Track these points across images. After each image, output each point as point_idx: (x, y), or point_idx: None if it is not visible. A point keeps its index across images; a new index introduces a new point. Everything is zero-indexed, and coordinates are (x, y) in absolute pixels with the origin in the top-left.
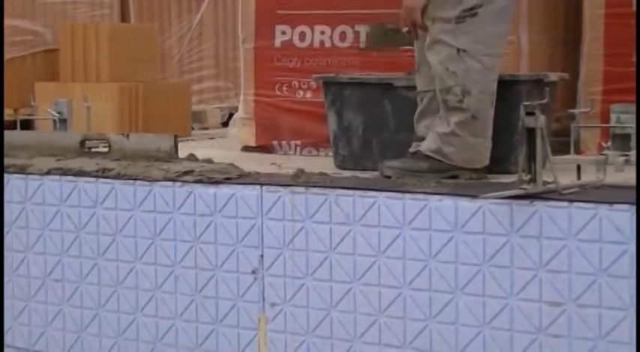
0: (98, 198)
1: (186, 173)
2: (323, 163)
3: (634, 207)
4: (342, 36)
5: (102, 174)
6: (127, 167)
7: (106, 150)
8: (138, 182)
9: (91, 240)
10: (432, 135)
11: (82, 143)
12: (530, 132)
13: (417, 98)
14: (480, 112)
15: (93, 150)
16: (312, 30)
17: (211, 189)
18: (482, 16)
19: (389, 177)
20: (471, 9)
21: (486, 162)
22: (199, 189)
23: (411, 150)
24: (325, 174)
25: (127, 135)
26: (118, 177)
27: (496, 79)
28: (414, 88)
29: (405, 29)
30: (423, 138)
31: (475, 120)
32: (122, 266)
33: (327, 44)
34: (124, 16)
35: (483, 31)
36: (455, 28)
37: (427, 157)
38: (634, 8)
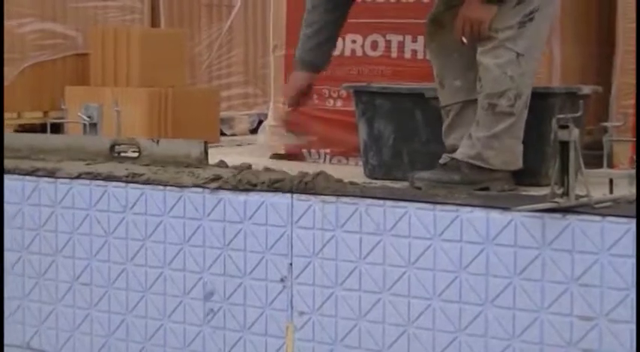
0: (128, 203)
1: (215, 179)
2: (352, 172)
3: None
4: (374, 45)
5: (131, 179)
6: (157, 172)
7: (135, 155)
8: (168, 188)
9: (119, 245)
10: (470, 141)
11: (112, 147)
12: (564, 146)
13: (442, 112)
14: (522, 115)
15: (122, 154)
16: (344, 38)
17: (241, 197)
18: (538, 20)
19: (419, 188)
20: (530, 13)
21: (521, 164)
22: (229, 195)
23: (442, 161)
24: (355, 183)
25: (157, 141)
26: (147, 182)
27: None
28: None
29: (464, 39)
30: (452, 151)
31: (517, 123)
32: (150, 272)
33: (359, 53)
34: (155, 21)
35: (538, 35)
36: (517, 33)
37: (458, 168)
38: None
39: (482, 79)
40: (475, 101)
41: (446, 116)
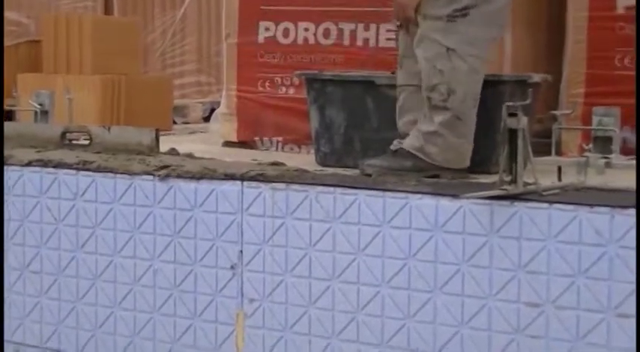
0: (78, 191)
1: (164, 167)
2: (304, 160)
3: (614, 210)
4: (326, 33)
5: (82, 166)
6: (108, 160)
7: (87, 142)
8: (118, 175)
9: (70, 232)
10: (416, 133)
11: (63, 135)
12: (512, 133)
13: (397, 92)
14: (464, 113)
15: (74, 142)
16: (296, 26)
17: (192, 184)
18: (474, 17)
19: (369, 175)
20: (463, 9)
21: (467, 163)
22: (180, 183)
23: (393, 147)
24: (306, 170)
25: (109, 128)
26: (98, 169)
27: (481, 81)
28: (396, 86)
29: (397, 24)
30: (405, 136)
31: (458, 121)
32: (101, 260)
33: (311, 41)
34: (108, 9)
35: (473, 33)
36: (445, 26)
37: (409, 155)
38: (618, 11)
39: (422, 73)
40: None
41: (399, 96)
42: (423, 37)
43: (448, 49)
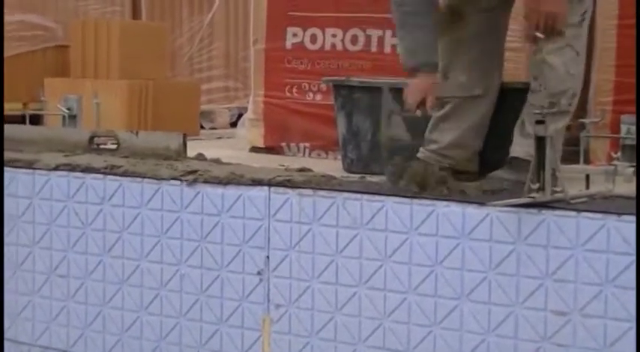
0: (106, 195)
1: (191, 172)
2: (331, 166)
3: None
4: (354, 39)
5: (110, 171)
6: (135, 165)
7: (114, 147)
8: (146, 180)
9: (97, 236)
10: (527, 140)
11: (91, 139)
12: (540, 141)
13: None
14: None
15: (101, 146)
16: (324, 32)
17: (219, 189)
18: (587, 19)
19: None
20: (585, 12)
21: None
22: (207, 188)
23: (420, 155)
24: (333, 177)
25: (136, 133)
26: (125, 174)
27: None
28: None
29: (537, 34)
30: (431, 141)
31: (567, 123)
32: (127, 264)
33: (339, 47)
34: (136, 14)
35: (586, 35)
36: (577, 32)
37: (527, 163)
38: None
39: (546, 78)
40: (472, 98)
41: (440, 107)
42: (565, 45)
43: (578, 53)
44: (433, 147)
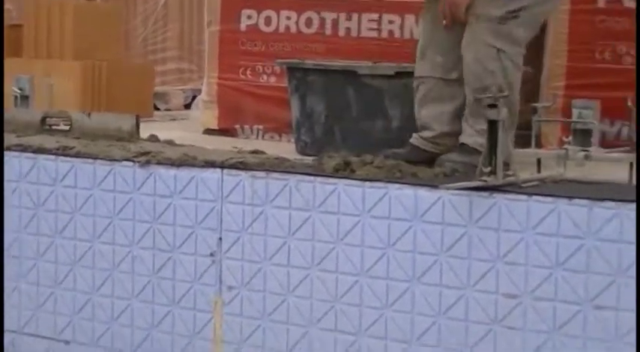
0: (58, 176)
1: (144, 154)
2: (285, 149)
3: (592, 202)
4: (308, 22)
5: (62, 151)
6: (88, 146)
7: (67, 128)
8: (98, 161)
9: (49, 217)
10: (472, 130)
11: (43, 120)
12: (492, 125)
13: (415, 83)
14: (513, 109)
15: (54, 127)
16: (278, 15)
17: (172, 171)
18: (523, 18)
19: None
20: (515, 11)
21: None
22: (160, 170)
23: (413, 141)
24: (286, 159)
25: (89, 114)
26: (78, 155)
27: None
28: (378, 76)
29: (444, 22)
30: (425, 127)
31: (508, 118)
32: (80, 245)
33: (293, 30)
34: None
35: (520, 33)
36: (497, 28)
37: (475, 151)
38: (598, 5)
39: (465, 73)
40: (449, 81)
41: (416, 89)
42: (475, 39)
43: (498, 50)
44: (427, 134)
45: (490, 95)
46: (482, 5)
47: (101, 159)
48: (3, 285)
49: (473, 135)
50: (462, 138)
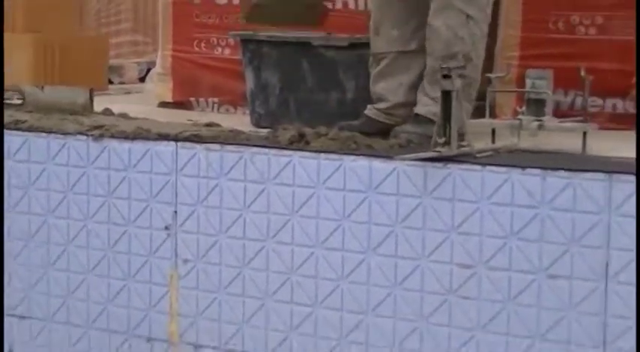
0: (11, 150)
1: (98, 127)
2: (240, 121)
3: (545, 172)
4: None
5: (15, 125)
6: (41, 119)
7: (19, 102)
8: (51, 135)
9: (2, 192)
10: (428, 100)
11: None
12: (446, 95)
13: (371, 59)
14: (476, 79)
15: (7, 101)
16: None
17: (126, 144)
18: None
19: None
20: None
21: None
22: (114, 143)
23: (367, 112)
24: (241, 131)
25: (42, 88)
26: (31, 129)
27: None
28: (333, 47)
29: None
30: (380, 99)
31: (470, 86)
32: (34, 220)
33: None
34: None
35: None
36: None
37: (429, 121)
38: None
39: (432, 41)
40: (408, 53)
41: (376, 64)
42: (447, 5)
43: (468, 16)
44: (382, 106)
45: (457, 63)
46: None
47: (54, 132)
48: (3, 283)
49: (427, 104)
50: (417, 109)
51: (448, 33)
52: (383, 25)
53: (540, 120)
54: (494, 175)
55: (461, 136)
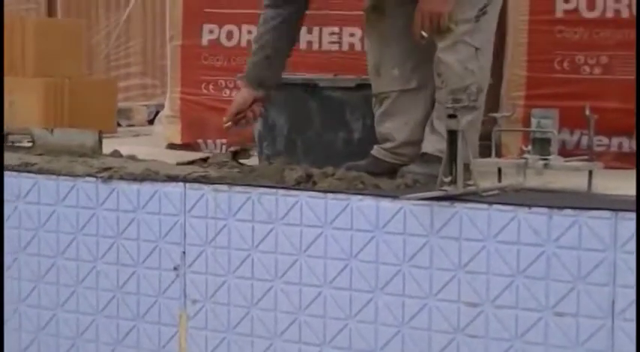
0: (20, 193)
1: (107, 169)
2: (248, 162)
3: (551, 210)
4: None
5: (25, 168)
6: (50, 162)
7: (29, 144)
8: (61, 177)
9: (12, 234)
10: (436, 136)
11: (6, 137)
12: (452, 135)
13: (374, 100)
14: (482, 109)
15: (16, 144)
16: (240, 29)
17: (134, 186)
18: (490, 13)
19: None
20: (484, 7)
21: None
22: (122, 185)
23: (374, 153)
24: (252, 167)
25: (51, 130)
26: (40, 171)
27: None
28: (339, 88)
29: (424, 34)
30: (386, 139)
31: (478, 118)
32: (43, 262)
33: None
34: (51, 11)
35: (490, 29)
36: (474, 27)
37: (437, 159)
38: (557, 15)
39: (444, 76)
40: (410, 91)
41: (379, 104)
42: (457, 42)
43: (476, 48)
44: (388, 146)
45: (470, 96)
46: (460, 9)
47: (64, 175)
48: (3, 294)
49: (435, 142)
50: (424, 148)
51: (460, 67)
52: (383, 66)
53: (546, 160)
54: (500, 214)
55: (467, 175)
